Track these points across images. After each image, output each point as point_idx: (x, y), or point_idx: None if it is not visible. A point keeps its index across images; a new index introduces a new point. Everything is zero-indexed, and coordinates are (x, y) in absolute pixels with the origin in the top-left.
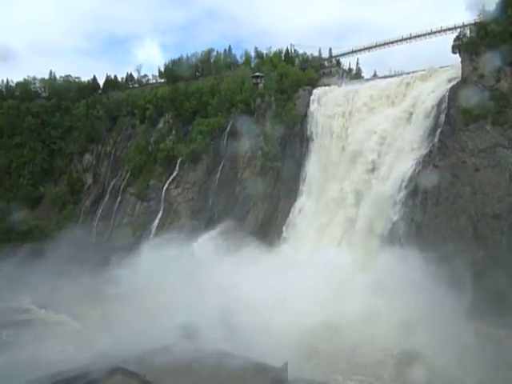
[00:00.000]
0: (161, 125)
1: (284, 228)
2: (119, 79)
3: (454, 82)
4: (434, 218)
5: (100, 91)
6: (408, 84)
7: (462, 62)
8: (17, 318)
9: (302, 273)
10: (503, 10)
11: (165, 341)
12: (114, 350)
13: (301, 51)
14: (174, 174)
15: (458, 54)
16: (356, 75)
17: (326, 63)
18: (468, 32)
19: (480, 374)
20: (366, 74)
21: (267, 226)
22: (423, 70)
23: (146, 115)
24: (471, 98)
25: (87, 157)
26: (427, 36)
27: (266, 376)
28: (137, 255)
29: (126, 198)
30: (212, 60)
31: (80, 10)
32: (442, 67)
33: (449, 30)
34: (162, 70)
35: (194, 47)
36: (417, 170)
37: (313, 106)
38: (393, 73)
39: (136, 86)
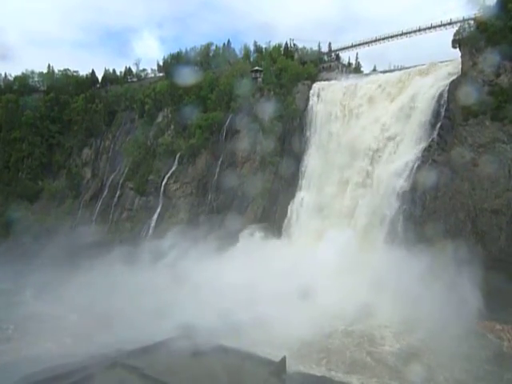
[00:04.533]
0: (160, 119)
1: (283, 222)
2: (118, 73)
3: (454, 77)
4: (432, 213)
5: (98, 85)
6: (408, 78)
7: (461, 56)
8: (16, 312)
9: (296, 271)
10: (503, 4)
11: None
12: (113, 344)
13: (300, 45)
14: (173, 168)
15: (457, 49)
16: (355, 70)
17: (325, 58)
18: (468, 27)
19: (479, 370)
20: (365, 68)
21: (266, 221)
22: (423, 65)
23: (145, 110)
24: (471, 93)
25: (86, 151)
26: (427, 30)
27: (264, 370)
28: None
29: (125, 193)
30: (211, 54)
31: (74, 2)
32: (441, 62)
33: (449, 24)
34: (161, 64)
35: (191, 40)
36: (416, 165)
37: (312, 101)
38: (392, 67)
39: (135, 80)
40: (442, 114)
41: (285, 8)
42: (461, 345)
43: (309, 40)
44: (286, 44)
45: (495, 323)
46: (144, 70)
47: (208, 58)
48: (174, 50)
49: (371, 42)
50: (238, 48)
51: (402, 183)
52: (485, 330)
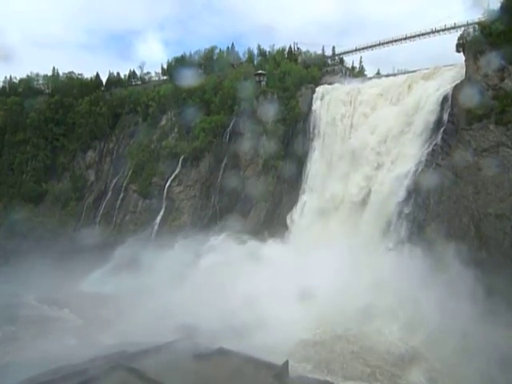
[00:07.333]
0: (163, 122)
1: (286, 225)
2: (122, 76)
3: (458, 81)
4: (436, 217)
5: (103, 88)
6: (411, 82)
7: (465, 60)
8: (19, 314)
9: (298, 274)
10: (507, 8)
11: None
12: (115, 346)
13: (304, 49)
14: (177, 171)
15: (461, 53)
16: (359, 73)
17: (329, 61)
18: (472, 31)
19: (481, 373)
20: (369, 72)
21: (269, 224)
22: (427, 69)
23: (149, 112)
24: (475, 97)
25: (90, 154)
26: (431, 34)
27: (267, 373)
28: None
29: (129, 195)
30: (215, 57)
31: (78, 5)
32: (445, 66)
33: (453, 28)
34: (165, 67)
35: (193, 42)
36: (419, 169)
37: (316, 104)
38: (396, 71)
39: (139, 83)
40: (446, 118)
41: (288, 11)
42: (464, 349)
43: (312, 43)
44: (290, 47)
45: (498, 327)
46: (148, 73)
47: (212, 62)
48: (177, 53)
49: (375, 45)
50: (241, 51)
51: (405, 187)
52: (487, 333)
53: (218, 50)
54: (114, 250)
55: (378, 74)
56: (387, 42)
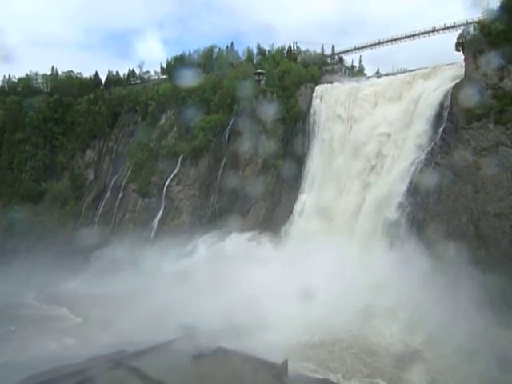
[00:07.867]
0: (162, 121)
1: (285, 225)
2: (121, 75)
3: (457, 80)
4: (435, 216)
5: (102, 87)
6: (411, 81)
7: (465, 60)
8: (19, 313)
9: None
10: (507, 7)
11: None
12: (115, 345)
13: (303, 48)
14: (176, 170)
15: (461, 52)
16: (359, 72)
17: (328, 60)
18: (472, 30)
19: (480, 373)
20: (368, 71)
21: (268, 223)
22: (426, 68)
23: (148, 112)
24: (474, 96)
25: (89, 153)
26: (431, 33)
27: (266, 373)
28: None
29: (128, 195)
30: (214, 56)
31: (77, 4)
32: (445, 65)
33: (452, 27)
34: (164, 66)
35: (192, 41)
36: (419, 168)
37: (315, 103)
38: (396, 70)
39: (138, 82)
40: (445, 117)
41: (288, 10)
42: (464, 349)
43: (312, 42)
44: (289, 46)
45: (497, 327)
46: (147, 72)
47: (211, 61)
48: (176, 52)
49: (375, 44)
50: (241, 50)
51: (404, 186)
52: (487, 333)
53: (217, 49)
54: (111, 250)
55: (378, 73)
56: (387, 41)
